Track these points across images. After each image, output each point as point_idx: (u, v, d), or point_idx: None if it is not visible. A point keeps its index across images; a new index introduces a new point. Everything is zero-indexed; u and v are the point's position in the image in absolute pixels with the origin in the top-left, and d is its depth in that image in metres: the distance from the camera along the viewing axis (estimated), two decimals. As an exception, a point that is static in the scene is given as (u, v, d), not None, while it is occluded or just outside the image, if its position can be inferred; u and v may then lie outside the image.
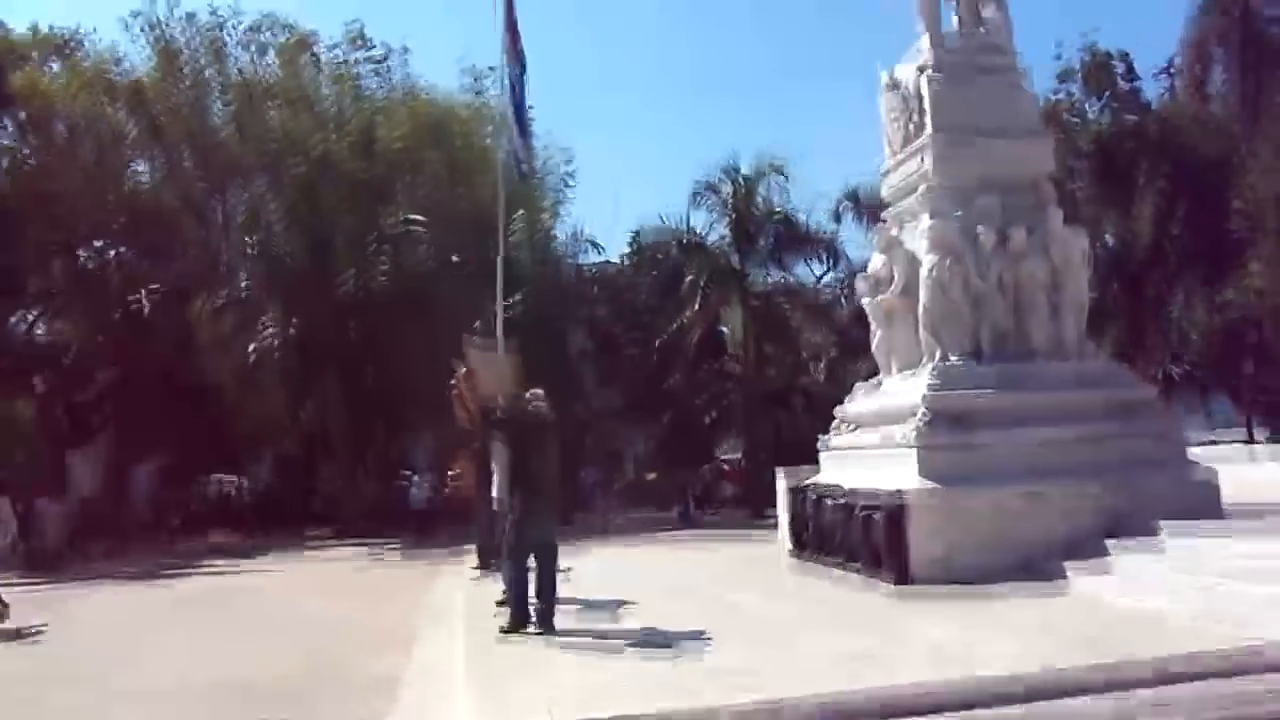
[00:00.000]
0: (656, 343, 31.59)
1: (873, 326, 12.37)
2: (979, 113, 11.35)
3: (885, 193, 12.53)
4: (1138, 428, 10.61)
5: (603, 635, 8.27)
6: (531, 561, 8.80)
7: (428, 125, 31.49)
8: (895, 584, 9.70)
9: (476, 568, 12.86)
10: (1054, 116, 36.30)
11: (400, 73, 34.00)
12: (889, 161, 12.38)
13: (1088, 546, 9.70)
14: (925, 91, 11.35)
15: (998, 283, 11.01)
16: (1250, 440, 26.34)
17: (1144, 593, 8.26)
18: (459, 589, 12.36)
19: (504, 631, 8.58)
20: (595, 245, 32.58)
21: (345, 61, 33.75)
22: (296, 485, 31.06)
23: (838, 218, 30.71)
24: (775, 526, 18.65)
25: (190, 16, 32.71)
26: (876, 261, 12.21)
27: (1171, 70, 32.71)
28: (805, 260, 31.31)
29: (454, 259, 30.13)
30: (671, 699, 5.91)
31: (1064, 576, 9.32)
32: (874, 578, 10.12)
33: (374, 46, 34.18)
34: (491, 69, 34.18)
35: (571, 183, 34.35)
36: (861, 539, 10.54)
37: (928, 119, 11.34)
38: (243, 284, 28.07)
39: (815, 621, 8.52)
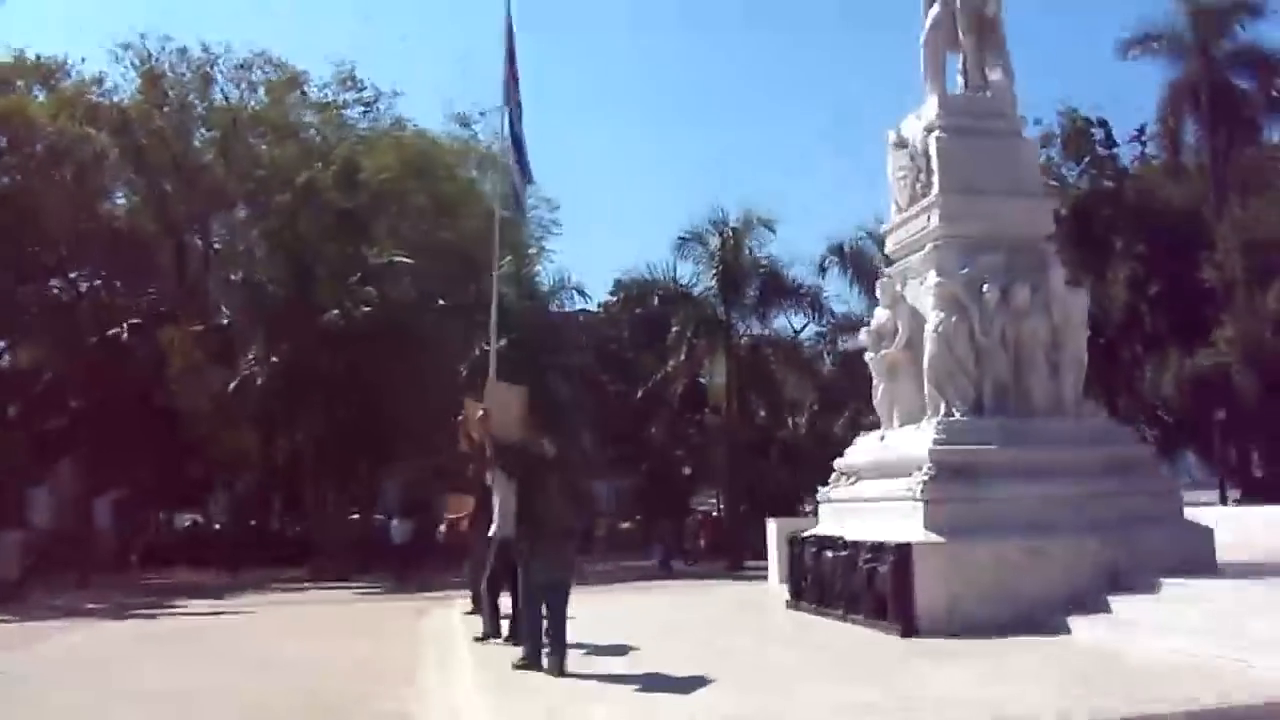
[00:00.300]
0: (640, 392, 31.74)
1: (875, 380, 12.53)
2: (984, 173, 11.65)
3: (889, 248, 12.77)
4: (1136, 485, 10.83)
5: (623, 679, 8.22)
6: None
7: (413, 159, 31.77)
8: (902, 635, 9.77)
9: (469, 612, 12.73)
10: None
11: (389, 114, 34.38)
12: (894, 218, 12.63)
13: (1088, 601, 9.86)
14: (933, 151, 11.63)
15: (1000, 339, 11.23)
16: (1223, 500, 26.81)
17: (1150, 643, 8.40)
18: (454, 627, 12.30)
19: (515, 668, 8.62)
20: (581, 292, 32.78)
21: (333, 101, 34.02)
22: (269, 521, 30.64)
23: (823, 271, 31.11)
24: (758, 578, 18.75)
25: (182, 51, 32.87)
26: (880, 316, 12.40)
27: (1143, 137, 33.66)
28: (790, 312, 31.65)
29: (438, 293, 30.25)
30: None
31: (1068, 631, 9.44)
32: (877, 629, 10.20)
33: (365, 88, 34.51)
34: (483, 114, 34.79)
35: (556, 229, 34.70)
36: (865, 589, 10.62)
37: (935, 178, 11.60)
38: (224, 312, 27.85)
39: (826, 671, 8.52)
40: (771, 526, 17.37)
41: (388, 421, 26.96)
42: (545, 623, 8.76)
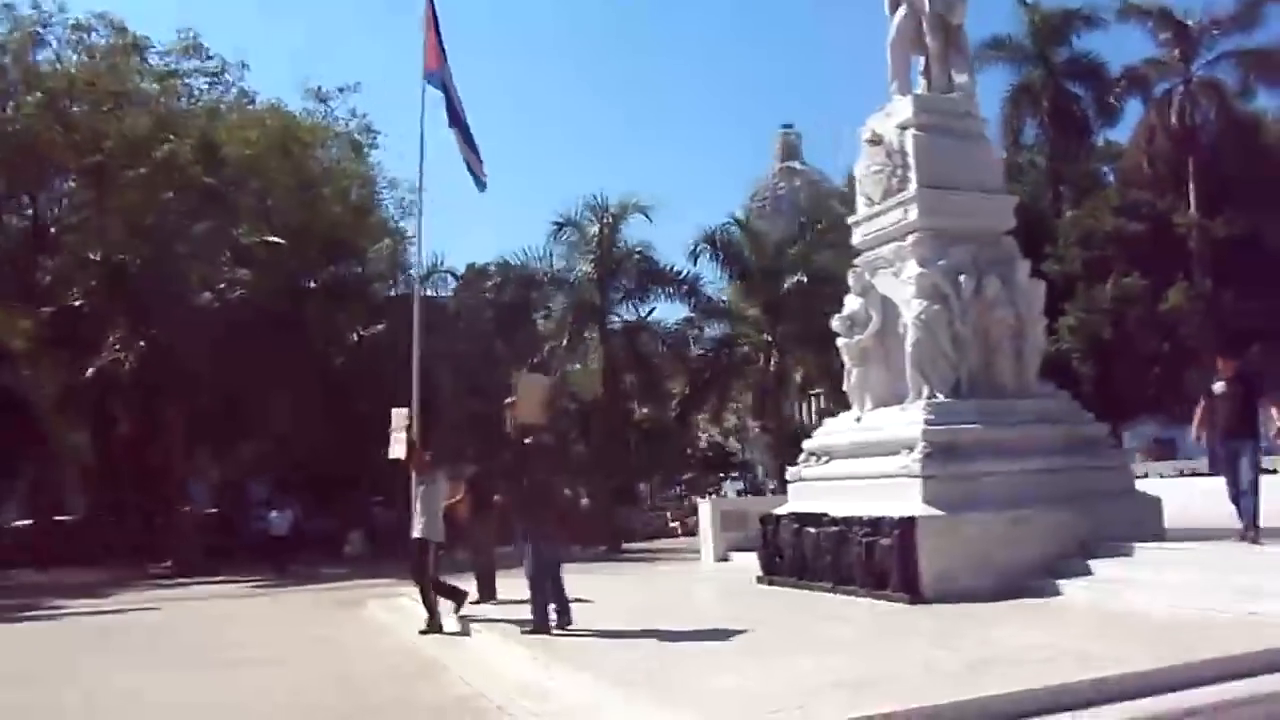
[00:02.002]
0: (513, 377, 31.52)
1: (847, 365, 13.15)
2: (956, 170, 12.46)
3: (858, 240, 13.39)
4: (1094, 460, 11.91)
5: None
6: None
7: (275, 135, 30.44)
8: (910, 603, 10.41)
9: (476, 601, 12.52)
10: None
11: (237, 86, 32.78)
12: (864, 211, 13.27)
13: (1065, 566, 10.81)
14: (910, 147, 12.33)
15: (974, 327, 12.05)
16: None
17: (1137, 598, 9.36)
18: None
19: (525, 634, 9.61)
20: (455, 276, 32.32)
21: (175, 70, 32.08)
22: (118, 514, 28.66)
23: (695, 259, 31.85)
24: (648, 559, 19.28)
25: (8, 8, 30.18)
26: (853, 304, 13.02)
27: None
28: (665, 299, 32.27)
29: (307, 277, 29.22)
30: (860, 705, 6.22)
31: (1059, 593, 10.32)
32: (878, 599, 10.82)
33: (211, 57, 32.72)
34: (342, 90, 33.62)
35: (414, 212, 33.74)
36: (861, 562, 11.23)
37: (912, 173, 12.31)
38: (75, 294, 25.81)
39: (881, 636, 9.04)
40: (705, 507, 17.92)
41: (261, 409, 25.83)
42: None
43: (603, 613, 10.81)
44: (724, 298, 34.05)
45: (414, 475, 11.76)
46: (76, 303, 25.84)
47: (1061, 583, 10.45)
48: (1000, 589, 10.42)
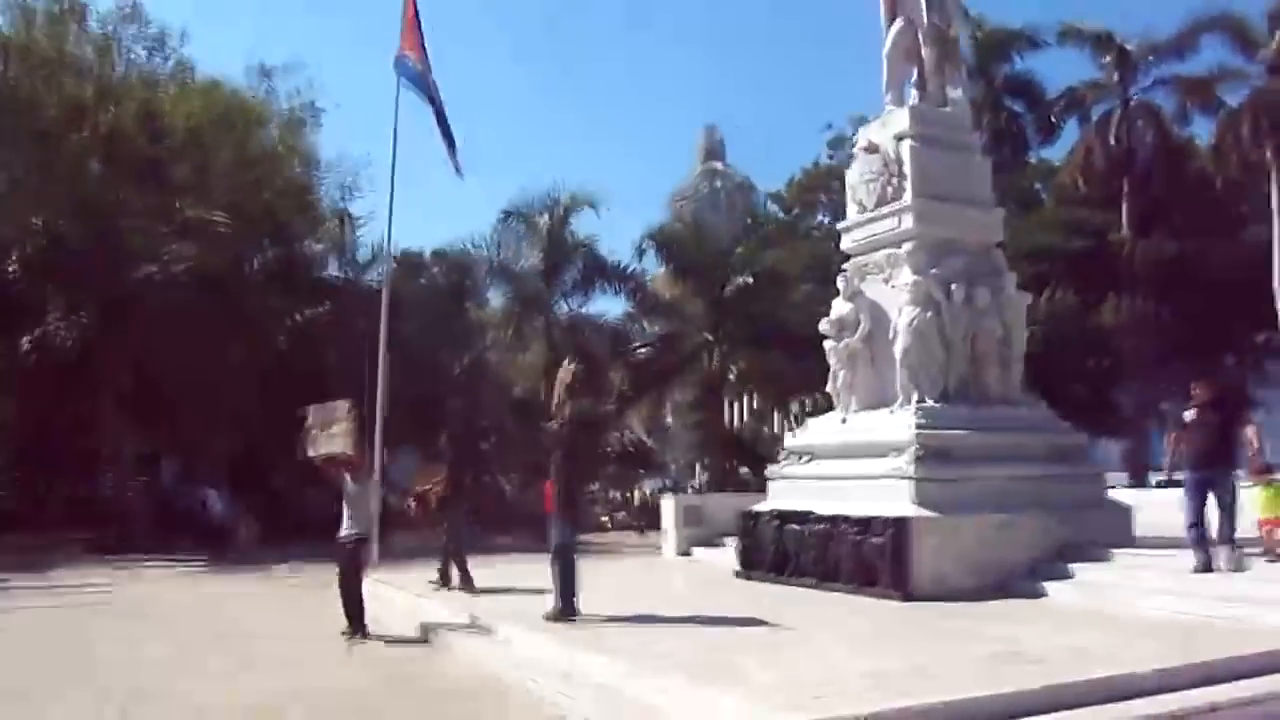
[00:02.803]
0: (458, 367, 31.33)
1: (834, 367, 13.40)
2: (950, 182, 12.82)
3: (848, 245, 13.65)
4: (1075, 469, 12.39)
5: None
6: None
7: (220, 109, 29.60)
8: (903, 600, 10.68)
9: (433, 581, 12.51)
10: (824, 180, 39.98)
11: (177, 56, 31.75)
12: (855, 217, 13.53)
13: (1045, 569, 11.22)
14: (907, 157, 12.63)
15: (963, 335, 12.41)
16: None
17: (1125, 600, 9.78)
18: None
19: (551, 619, 9.52)
20: (400, 261, 31.77)
21: (112, 36, 30.91)
22: (48, 487, 27.45)
23: (640, 255, 31.93)
24: (605, 553, 19.45)
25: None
26: (842, 308, 13.27)
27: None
28: (609, 294, 32.30)
29: (251, 257, 28.53)
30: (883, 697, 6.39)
31: (1045, 594, 10.71)
32: (867, 596, 11.06)
33: (150, 24, 31.63)
34: (287, 66, 32.75)
35: (359, 193, 33.05)
36: (849, 560, 11.47)
37: (909, 183, 12.61)
38: (12, 262, 24.69)
39: (899, 633, 9.24)
40: (668, 503, 18.09)
41: (201, 390, 25.12)
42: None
43: (600, 603, 10.79)
44: (668, 295, 34.21)
45: (348, 474, 10.72)
46: (11, 269, 24.74)
47: (1046, 584, 10.84)
48: (985, 589, 10.79)
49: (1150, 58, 31.20)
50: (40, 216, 25.03)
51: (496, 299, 32.54)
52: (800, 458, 13.47)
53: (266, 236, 29.79)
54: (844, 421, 13.10)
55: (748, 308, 31.12)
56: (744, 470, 30.00)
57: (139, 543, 23.55)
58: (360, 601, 10.68)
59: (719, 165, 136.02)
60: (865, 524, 11.37)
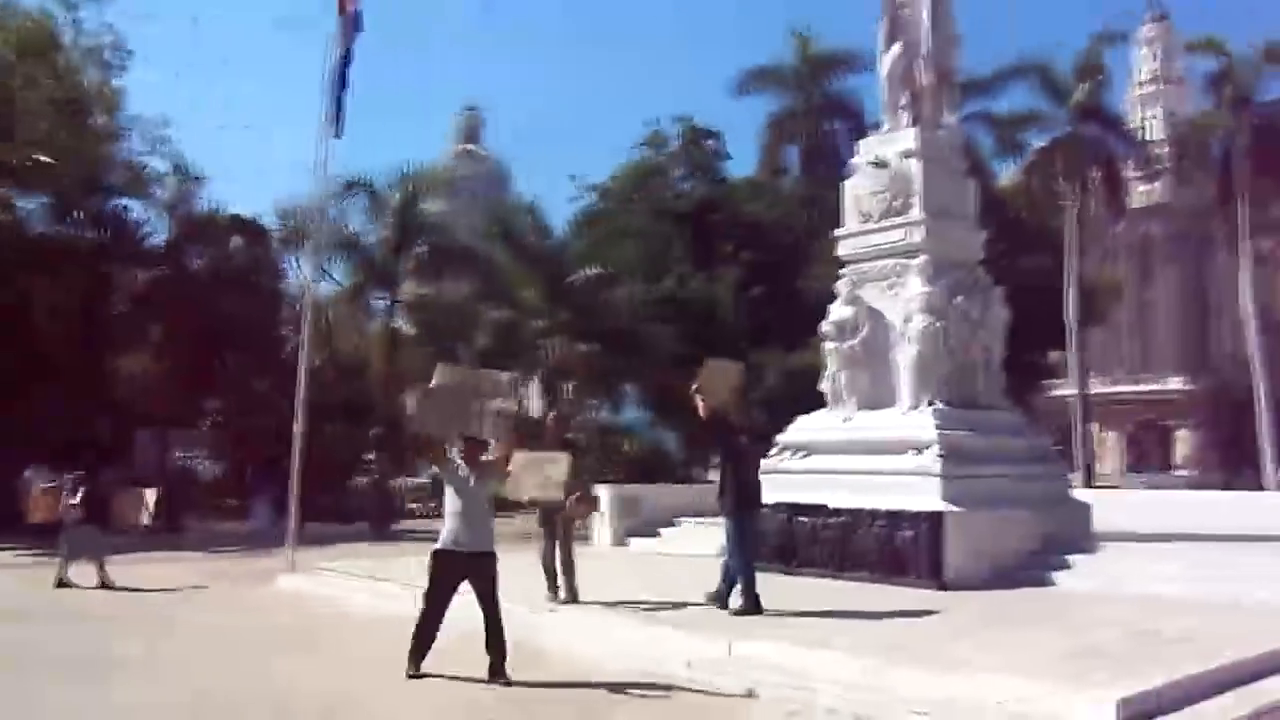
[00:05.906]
0: (288, 348, 29.50)
1: (832, 366, 14.04)
2: (951, 201, 13.82)
3: (845, 252, 14.33)
4: (1052, 470, 13.71)
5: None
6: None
7: (30, 40, 26.51)
8: (938, 589, 11.48)
9: None
10: (643, 178, 40.72)
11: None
12: (855, 226, 14.23)
13: (1041, 561, 12.40)
14: (918, 175, 13.49)
15: (961, 344, 13.43)
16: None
17: (1136, 588, 10.99)
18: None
19: (735, 614, 9.84)
20: (241, 230, 29.64)
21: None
22: None
23: (492, 241, 31.40)
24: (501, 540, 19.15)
25: None
26: (844, 311, 13.94)
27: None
28: (457, 278, 31.55)
29: (69, 207, 25.79)
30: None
31: (1054, 583, 11.84)
32: (898, 585, 11.78)
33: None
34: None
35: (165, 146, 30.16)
36: (877, 552, 12.16)
37: (916, 199, 13.47)
38: None
39: (966, 625, 9.82)
40: (604, 492, 18.04)
41: (25, 358, 22.47)
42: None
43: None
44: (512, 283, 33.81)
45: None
46: None
47: (1052, 574, 11.99)
48: (995, 578, 11.79)
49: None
50: None
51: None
52: (794, 453, 14.01)
53: (91, 187, 26.88)
54: (846, 420, 13.76)
55: (587, 302, 31.43)
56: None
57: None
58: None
59: (475, 148, 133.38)
60: (894, 517, 12.09)
